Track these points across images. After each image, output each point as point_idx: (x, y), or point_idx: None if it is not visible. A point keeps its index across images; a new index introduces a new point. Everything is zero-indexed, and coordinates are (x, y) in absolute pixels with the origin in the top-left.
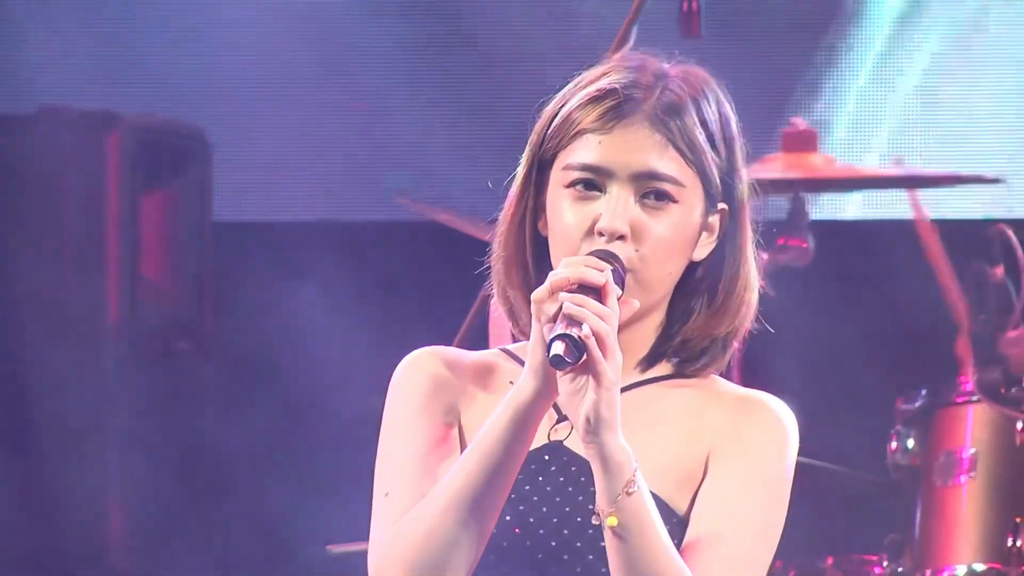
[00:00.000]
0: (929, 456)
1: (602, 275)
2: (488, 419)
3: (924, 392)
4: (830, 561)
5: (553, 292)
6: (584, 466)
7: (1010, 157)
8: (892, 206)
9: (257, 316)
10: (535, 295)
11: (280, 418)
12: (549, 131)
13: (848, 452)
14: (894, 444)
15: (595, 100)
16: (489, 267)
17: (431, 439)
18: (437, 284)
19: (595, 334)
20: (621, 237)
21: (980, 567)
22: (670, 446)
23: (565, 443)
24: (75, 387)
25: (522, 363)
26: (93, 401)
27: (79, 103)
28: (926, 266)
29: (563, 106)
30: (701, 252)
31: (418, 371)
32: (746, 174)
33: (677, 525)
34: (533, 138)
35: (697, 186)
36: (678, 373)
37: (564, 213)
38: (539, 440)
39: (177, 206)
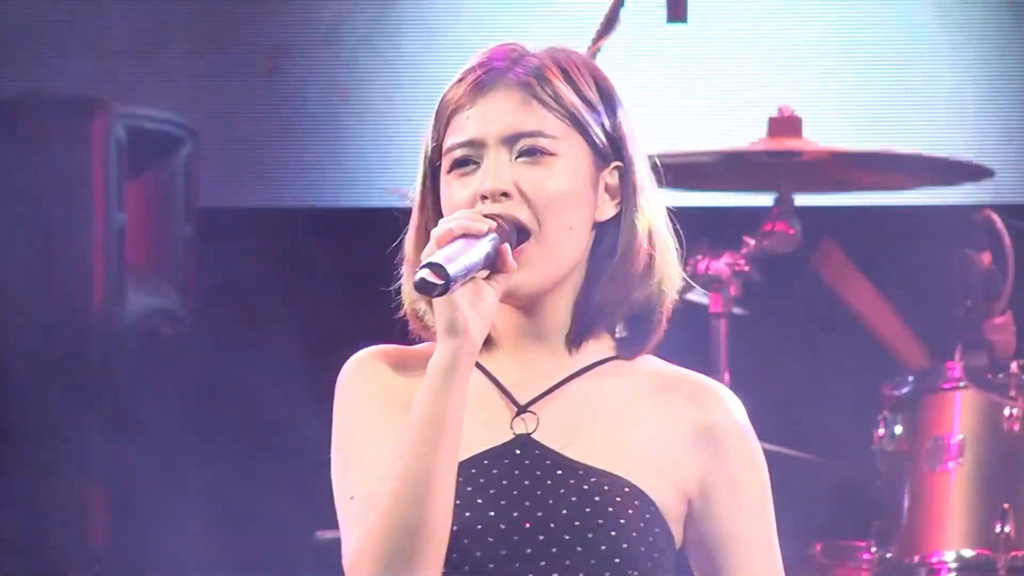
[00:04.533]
0: (917, 442)
1: (485, 223)
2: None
3: (911, 378)
4: (818, 547)
5: (438, 246)
6: (559, 459)
7: (996, 143)
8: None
9: (242, 303)
10: (423, 254)
11: (266, 404)
12: (430, 129)
13: (835, 438)
14: (881, 430)
15: (459, 81)
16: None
17: (387, 437)
18: None
19: (463, 230)
20: (505, 195)
21: (968, 553)
22: (643, 437)
23: (534, 436)
24: (60, 373)
25: None
26: (78, 387)
27: (64, 88)
28: (913, 251)
29: (440, 99)
30: (604, 213)
31: (362, 374)
32: (637, 136)
33: (656, 515)
34: (424, 140)
35: (575, 137)
36: (616, 356)
37: (450, 195)
38: (504, 436)
39: (162, 192)
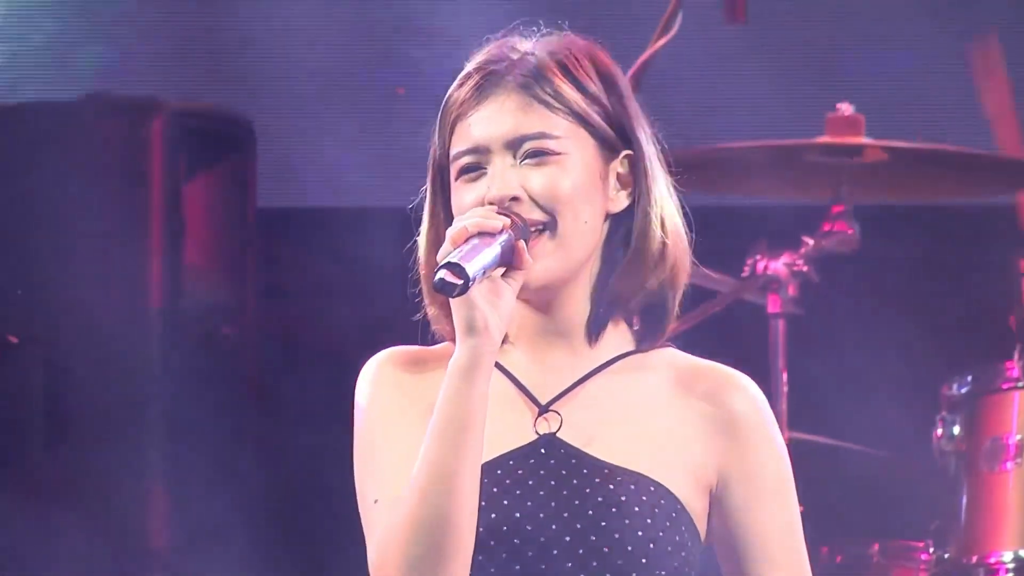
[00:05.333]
0: (975, 442)
1: (499, 220)
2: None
3: (970, 378)
4: (876, 547)
5: (454, 245)
6: (584, 458)
7: None
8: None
9: (300, 302)
10: (440, 254)
11: (324, 405)
12: (436, 136)
13: (894, 438)
14: (940, 430)
15: (460, 86)
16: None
17: (408, 440)
18: None
19: (478, 228)
20: (515, 199)
21: None
22: (665, 433)
23: (559, 435)
24: (119, 373)
25: None
26: (136, 387)
27: (123, 89)
28: (972, 251)
29: (443, 105)
30: (617, 204)
31: (381, 376)
32: (643, 120)
33: (682, 513)
34: (431, 145)
35: (580, 133)
36: (635, 350)
37: (460, 201)
38: (528, 436)
39: (220, 192)
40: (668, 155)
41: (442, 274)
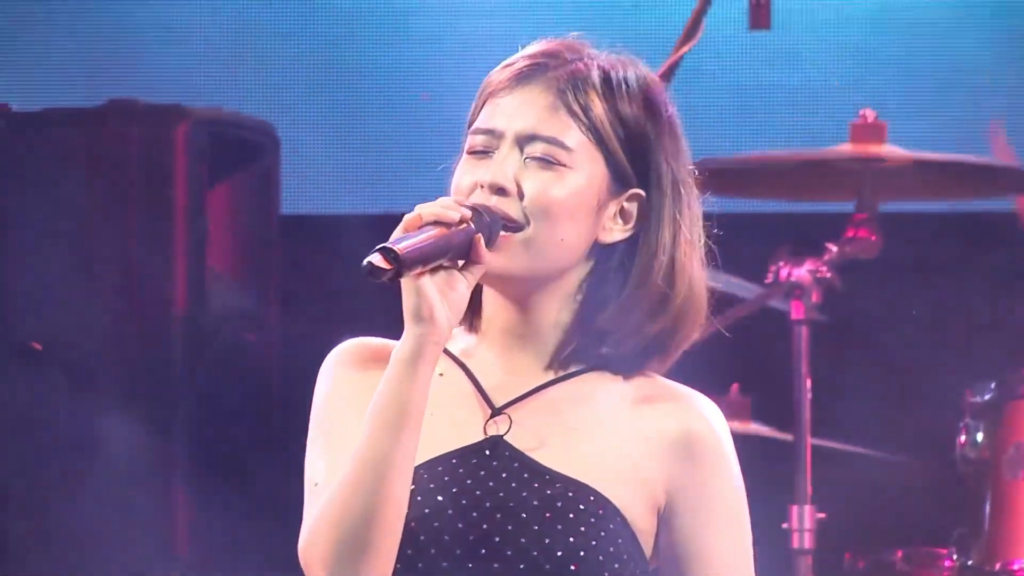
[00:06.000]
0: (998, 449)
1: (458, 211)
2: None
3: (993, 385)
4: (899, 554)
5: (405, 231)
6: (527, 462)
7: None
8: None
9: (323, 309)
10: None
11: None
12: (473, 106)
13: (917, 445)
14: (963, 437)
15: (507, 66)
16: None
17: (356, 429)
18: None
19: (434, 217)
20: (503, 190)
21: None
22: (617, 448)
23: (505, 438)
24: (142, 378)
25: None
26: (159, 392)
27: (147, 96)
28: (996, 257)
29: (486, 78)
30: (611, 235)
31: (339, 365)
32: (680, 168)
33: (622, 526)
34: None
35: (596, 158)
36: (604, 367)
37: (458, 176)
38: (476, 436)
39: (244, 199)
40: (701, 203)
41: (372, 258)
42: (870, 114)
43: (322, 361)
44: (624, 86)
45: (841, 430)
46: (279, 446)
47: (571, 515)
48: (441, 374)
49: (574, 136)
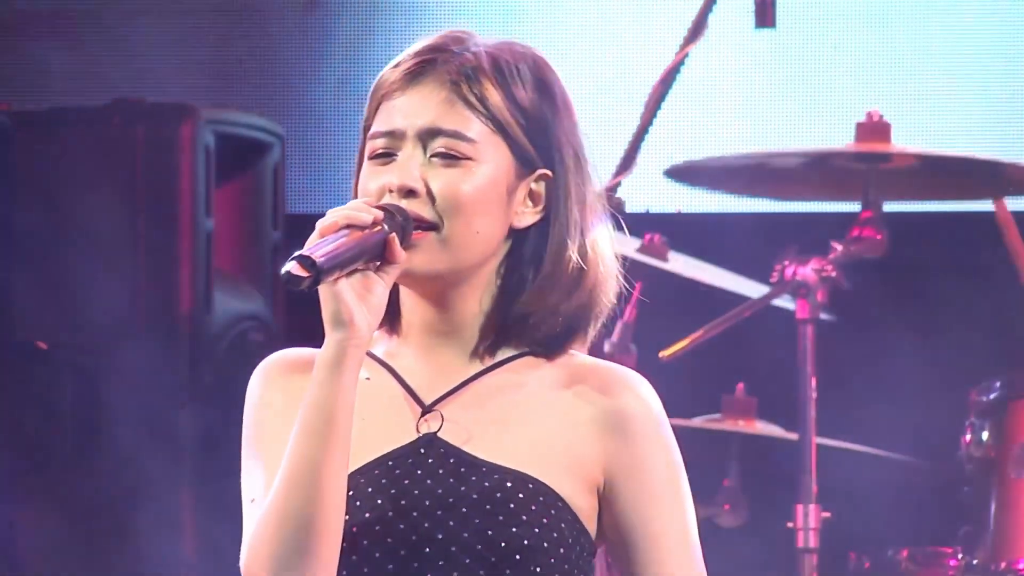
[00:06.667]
0: (1004, 448)
1: (371, 213)
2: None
3: (999, 384)
4: (905, 553)
5: (321, 236)
6: (462, 457)
7: None
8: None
9: None
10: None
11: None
12: (366, 109)
13: (922, 444)
14: (968, 436)
15: (395, 66)
16: None
17: (287, 442)
18: None
19: (347, 220)
20: (412, 192)
21: None
22: (549, 432)
23: (439, 435)
24: (147, 379)
25: (367, 353)
26: (165, 393)
27: (152, 95)
28: (1002, 256)
29: (376, 82)
30: (523, 220)
31: (264, 380)
32: (578, 145)
33: (563, 510)
34: (363, 122)
35: (497, 142)
36: (531, 352)
37: (364, 182)
38: (409, 436)
39: (250, 198)
40: (598, 180)
41: (290, 267)
42: (875, 113)
43: None
44: (515, 70)
45: (846, 430)
46: None
47: (511, 505)
48: (368, 379)
49: (474, 127)
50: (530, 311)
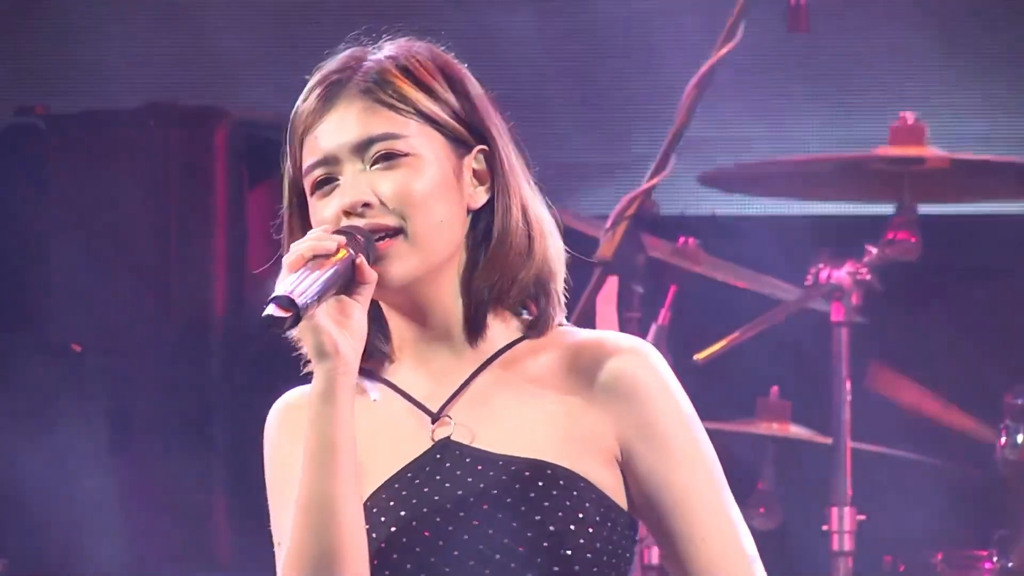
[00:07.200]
0: None
1: (333, 240)
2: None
3: None
4: (939, 556)
5: (292, 271)
6: (478, 454)
7: None
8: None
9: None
10: (278, 283)
11: None
12: (288, 152)
13: (957, 447)
14: (1003, 439)
15: (304, 100)
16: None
17: None
18: None
19: (312, 251)
20: (367, 205)
21: None
22: (556, 414)
23: (453, 438)
24: (182, 381)
25: (369, 374)
26: (199, 395)
27: (186, 98)
28: None
29: (291, 121)
30: (476, 200)
31: (278, 424)
32: (497, 119)
33: (586, 490)
34: (284, 165)
35: (427, 131)
36: (523, 337)
37: (317, 216)
38: (424, 444)
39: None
40: (524, 150)
41: (270, 309)
42: (910, 116)
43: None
44: (417, 62)
45: (881, 433)
46: None
47: (532, 494)
48: (375, 399)
49: (402, 123)
50: (491, 282)
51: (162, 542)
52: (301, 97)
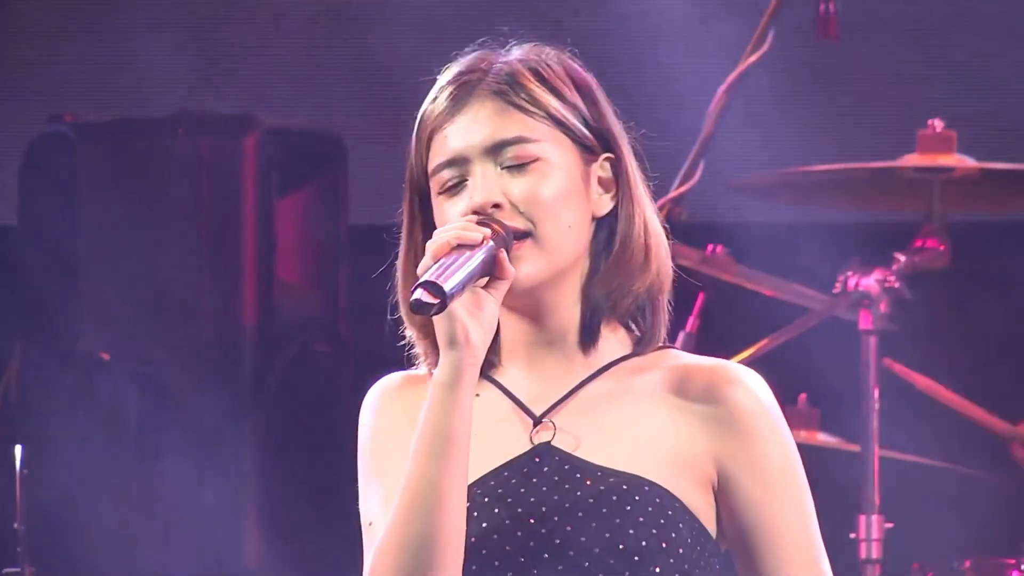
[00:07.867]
0: None
1: (479, 231)
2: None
3: None
4: (967, 564)
5: (434, 259)
6: (577, 463)
7: None
8: None
9: (393, 320)
10: (420, 268)
11: None
12: (412, 154)
13: (985, 455)
14: None
15: (434, 100)
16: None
17: (401, 465)
18: None
19: (458, 240)
20: (497, 206)
21: None
22: (660, 433)
23: (553, 443)
24: (212, 389)
25: None
26: (229, 402)
27: (217, 106)
28: None
29: (418, 121)
30: (601, 207)
31: (377, 404)
32: (621, 127)
33: (680, 511)
34: (408, 163)
35: (558, 136)
36: (631, 354)
37: (443, 216)
38: (523, 446)
39: (313, 209)
40: (644, 161)
41: (418, 294)
42: (938, 124)
43: (388, 371)
44: (548, 67)
45: (910, 441)
46: (349, 457)
47: (627, 507)
48: (478, 395)
49: (534, 127)
50: (608, 290)
51: (191, 551)
52: (429, 98)
